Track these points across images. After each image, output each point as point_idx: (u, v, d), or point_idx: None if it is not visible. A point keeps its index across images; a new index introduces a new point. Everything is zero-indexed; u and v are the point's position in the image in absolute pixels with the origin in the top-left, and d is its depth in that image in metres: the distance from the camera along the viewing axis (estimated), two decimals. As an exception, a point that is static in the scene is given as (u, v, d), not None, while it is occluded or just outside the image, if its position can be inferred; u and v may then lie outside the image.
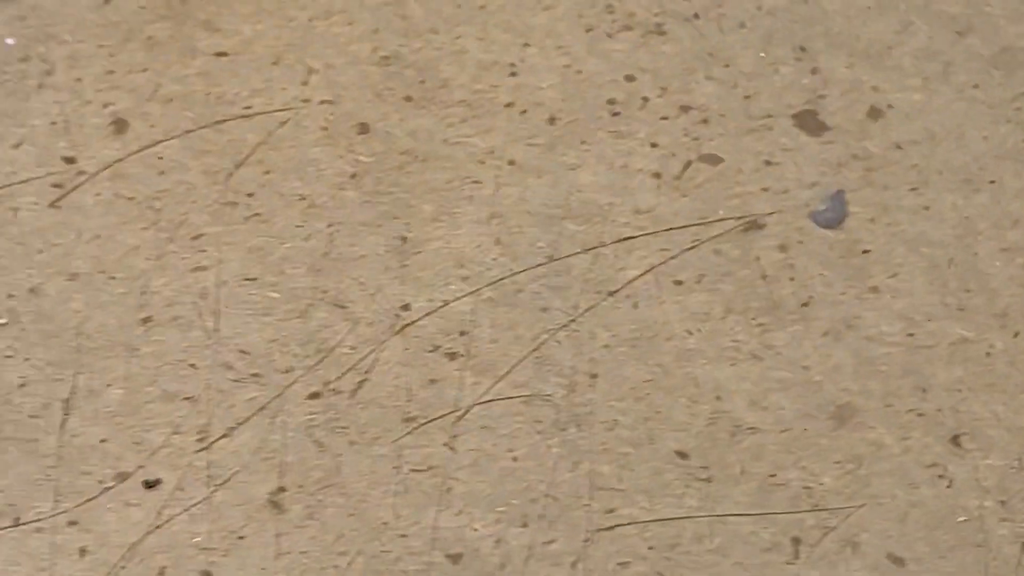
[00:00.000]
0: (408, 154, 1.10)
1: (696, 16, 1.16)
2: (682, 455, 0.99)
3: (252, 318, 1.03)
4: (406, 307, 1.04)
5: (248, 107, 1.12)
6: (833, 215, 1.07)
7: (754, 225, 1.07)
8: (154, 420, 1.00)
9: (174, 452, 0.99)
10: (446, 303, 1.04)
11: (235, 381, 1.01)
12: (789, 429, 1.00)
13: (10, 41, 1.14)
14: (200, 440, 0.99)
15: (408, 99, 1.13)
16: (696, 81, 1.13)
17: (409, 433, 1.00)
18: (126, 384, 1.01)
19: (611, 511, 0.98)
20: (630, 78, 1.14)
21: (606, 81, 1.14)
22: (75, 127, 1.11)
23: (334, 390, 1.01)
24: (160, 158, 1.10)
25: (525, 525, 0.97)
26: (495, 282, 1.05)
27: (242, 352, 1.02)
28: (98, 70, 1.13)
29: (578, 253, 1.06)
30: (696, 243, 1.06)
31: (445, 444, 0.99)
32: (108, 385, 1.01)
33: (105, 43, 1.15)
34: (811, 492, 0.98)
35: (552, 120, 1.12)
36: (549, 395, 1.01)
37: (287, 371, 1.01)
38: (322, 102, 1.12)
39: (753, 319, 1.03)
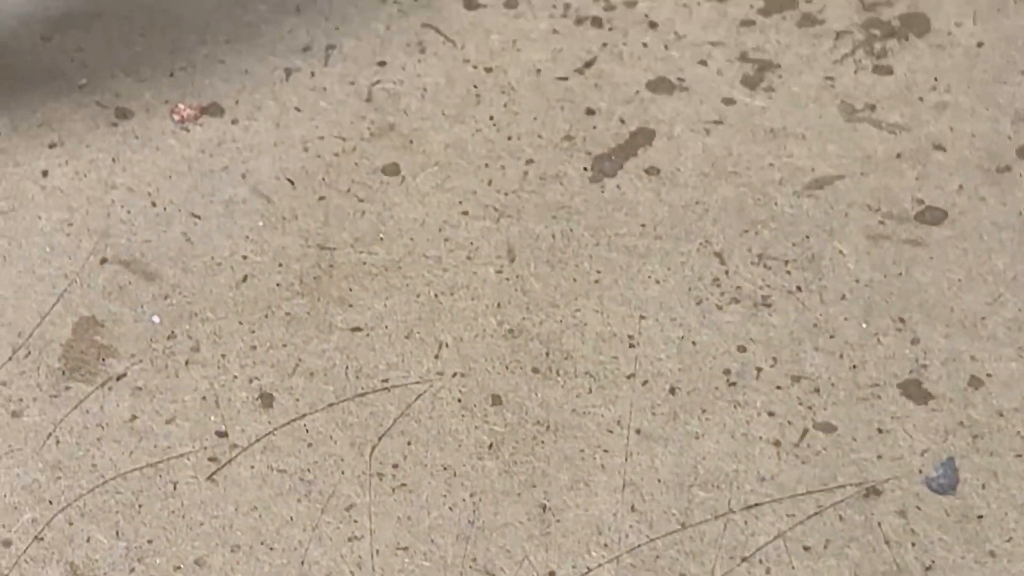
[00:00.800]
0: (540, 424, 1.16)
1: (799, 289, 1.24)
2: None
3: (407, 587, 1.09)
4: (552, 574, 1.09)
5: (386, 380, 1.18)
6: (946, 481, 1.14)
7: (873, 491, 1.13)
8: None
9: None
10: (589, 569, 1.10)
11: (396, 649, 1.06)
12: None
13: (156, 319, 1.21)
14: None
15: (535, 371, 1.19)
16: (804, 351, 1.21)
17: None
18: (293, 654, 1.06)
19: None
20: (742, 349, 1.21)
21: (720, 352, 1.21)
22: (224, 402, 1.17)
23: (491, 657, 1.06)
24: (307, 430, 1.16)
25: None
26: (633, 549, 1.10)
27: (401, 621, 1.07)
28: (241, 346, 1.20)
29: (709, 520, 1.12)
30: (820, 509, 1.12)
31: None
32: (276, 655, 1.05)
33: (245, 320, 1.21)
34: None
35: (673, 390, 1.19)
36: (695, 659, 1.06)
37: (445, 639, 1.06)
38: (455, 374, 1.19)
39: (881, 583, 1.09)
